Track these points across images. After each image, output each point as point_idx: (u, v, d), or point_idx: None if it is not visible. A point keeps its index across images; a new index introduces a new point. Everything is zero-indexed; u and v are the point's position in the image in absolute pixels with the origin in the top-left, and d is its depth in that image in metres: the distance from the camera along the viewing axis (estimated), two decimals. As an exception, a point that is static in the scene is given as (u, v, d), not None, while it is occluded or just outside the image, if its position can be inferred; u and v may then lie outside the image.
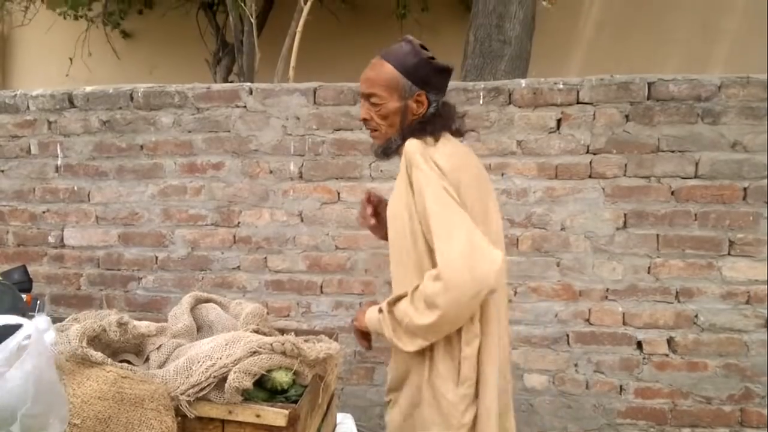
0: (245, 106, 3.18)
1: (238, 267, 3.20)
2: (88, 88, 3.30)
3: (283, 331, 1.66)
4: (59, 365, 1.23)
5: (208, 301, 1.71)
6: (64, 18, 5.73)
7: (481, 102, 3.04)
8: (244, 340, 1.35)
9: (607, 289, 3.00)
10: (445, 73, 1.78)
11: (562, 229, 3.01)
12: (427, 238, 1.61)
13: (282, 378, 1.25)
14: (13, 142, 3.34)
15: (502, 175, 3.02)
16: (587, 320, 3.02)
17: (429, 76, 1.74)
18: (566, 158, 2.99)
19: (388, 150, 1.79)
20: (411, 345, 1.62)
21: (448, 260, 1.51)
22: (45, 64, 6.18)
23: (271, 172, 3.17)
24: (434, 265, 1.57)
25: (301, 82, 3.21)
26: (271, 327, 1.61)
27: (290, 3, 4.60)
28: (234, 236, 3.21)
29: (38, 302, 2.81)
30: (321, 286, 3.16)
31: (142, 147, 3.24)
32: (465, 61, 4.12)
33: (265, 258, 3.19)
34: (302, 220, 3.16)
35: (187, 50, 6.13)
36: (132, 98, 3.25)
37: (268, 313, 3.16)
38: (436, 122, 1.74)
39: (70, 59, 5.80)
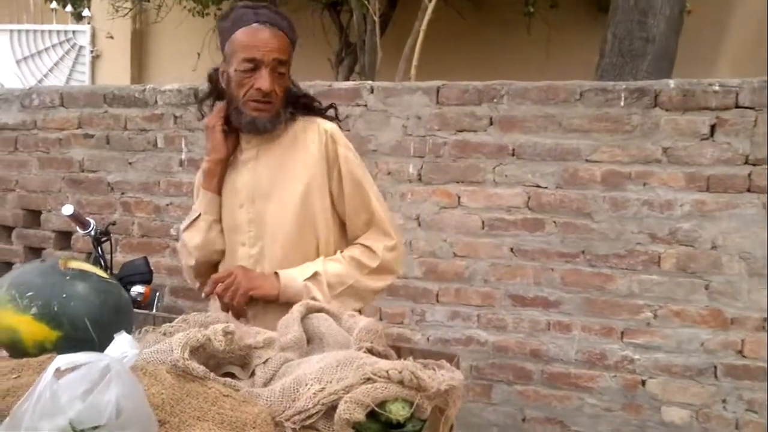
0: (366, 105, 3.07)
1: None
2: (213, 85, 3.31)
3: (398, 350, 1.50)
4: (159, 378, 1.13)
5: (320, 310, 1.58)
6: (193, 15, 5.92)
7: (622, 104, 2.75)
8: (357, 362, 1.20)
9: (765, 318, 2.62)
10: None
11: (712, 248, 2.66)
12: (341, 213, 1.71)
13: (399, 411, 1.10)
14: (141, 135, 3.41)
15: (644, 185, 2.72)
16: (740, 352, 2.65)
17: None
18: (720, 168, 2.64)
19: (275, 123, 1.68)
20: (346, 308, 1.69)
21: (395, 230, 1.75)
22: (176, 59, 6.41)
23: (389, 173, 3.04)
24: (346, 240, 1.74)
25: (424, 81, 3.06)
26: (386, 345, 1.45)
27: (414, 2, 4.48)
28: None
29: (157, 293, 2.84)
30: (437, 295, 2.99)
31: (261, 144, 3.21)
32: (601, 60, 3.81)
33: (380, 263, 3.05)
34: (419, 225, 3.00)
35: (310, 49, 6.15)
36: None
37: (381, 319, 3.04)
38: (313, 100, 1.78)
39: (198, 54, 5.98)
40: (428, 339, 2.99)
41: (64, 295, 1.25)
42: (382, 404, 1.09)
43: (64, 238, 3.59)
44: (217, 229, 1.75)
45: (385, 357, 1.37)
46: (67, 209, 2.63)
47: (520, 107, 2.87)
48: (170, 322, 1.59)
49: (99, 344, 1.25)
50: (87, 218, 2.79)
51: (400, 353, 1.52)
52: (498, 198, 2.89)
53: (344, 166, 1.69)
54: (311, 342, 1.55)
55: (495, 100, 2.89)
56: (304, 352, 1.48)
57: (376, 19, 4.47)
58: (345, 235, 1.77)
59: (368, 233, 1.74)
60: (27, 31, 6.15)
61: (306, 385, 1.16)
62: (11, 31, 6.10)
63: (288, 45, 1.67)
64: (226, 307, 1.64)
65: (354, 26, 5.24)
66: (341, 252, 1.73)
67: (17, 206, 3.64)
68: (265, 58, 1.61)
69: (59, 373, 0.82)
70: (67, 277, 1.29)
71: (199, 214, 1.74)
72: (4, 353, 1.30)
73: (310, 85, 3.14)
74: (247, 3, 1.68)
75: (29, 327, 1.23)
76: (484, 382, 2.96)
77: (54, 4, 6.34)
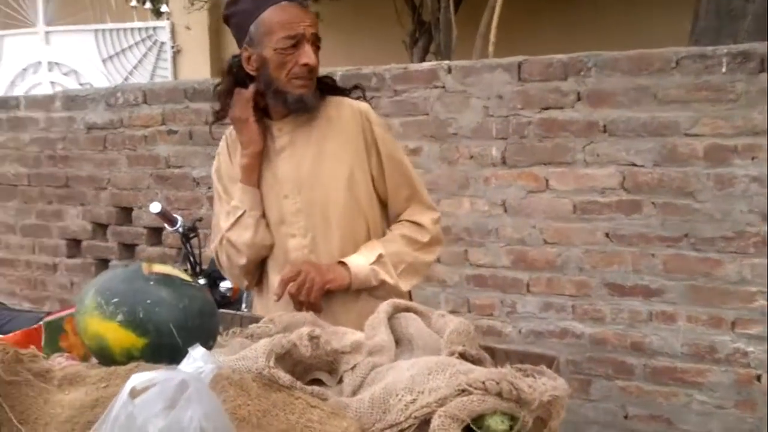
0: (444, 87, 2.96)
1: (438, 259, 3.00)
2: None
3: (492, 352, 1.41)
4: (245, 388, 1.09)
5: (407, 309, 1.51)
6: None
7: (723, 70, 2.52)
8: (450, 370, 1.12)
9: None
10: None
11: (834, 226, 2.41)
12: (381, 192, 1.70)
13: (498, 426, 1.01)
14: (222, 129, 3.42)
15: (753, 159, 2.49)
16: None
17: None
18: (842, 136, 2.38)
19: (318, 101, 1.66)
20: (409, 285, 1.72)
21: (433, 204, 1.79)
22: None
23: (471, 157, 2.92)
24: (387, 219, 1.75)
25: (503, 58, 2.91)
26: (479, 349, 1.36)
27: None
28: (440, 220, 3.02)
29: (244, 294, 2.84)
30: (527, 285, 2.86)
31: (339, 133, 3.16)
32: (696, 23, 3.53)
33: (466, 251, 2.96)
34: (506, 210, 2.88)
35: (383, 32, 6.08)
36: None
37: (469, 311, 2.95)
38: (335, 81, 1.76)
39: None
40: (520, 331, 2.87)
41: (149, 301, 1.24)
42: (478, 418, 1.01)
43: (155, 235, 3.68)
44: (263, 224, 1.70)
45: (479, 362, 1.28)
46: (155, 207, 2.67)
47: (609, 79, 2.68)
48: (257, 322, 1.56)
49: (185, 350, 1.24)
50: (174, 215, 2.82)
51: (494, 355, 1.43)
52: (590, 179, 2.73)
53: (382, 144, 1.68)
54: (400, 344, 1.48)
55: (582, 74, 2.72)
56: (393, 355, 1.41)
57: (451, -5, 4.33)
58: (386, 214, 1.76)
59: (411, 209, 1.74)
60: (110, 30, 6.35)
61: (396, 395, 1.09)
62: (95, 30, 6.32)
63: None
64: (300, 305, 1.61)
65: (427, 5, 5.10)
66: (390, 230, 1.73)
67: (110, 204, 3.76)
68: (306, 33, 1.59)
69: (135, 391, 0.78)
70: (151, 282, 1.27)
71: (244, 211, 1.69)
72: (94, 360, 1.30)
73: (386, 69, 3.06)
74: None
75: (116, 334, 1.22)
76: (581, 377, 2.81)
77: (134, 2, 6.52)
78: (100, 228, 3.82)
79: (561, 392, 1.07)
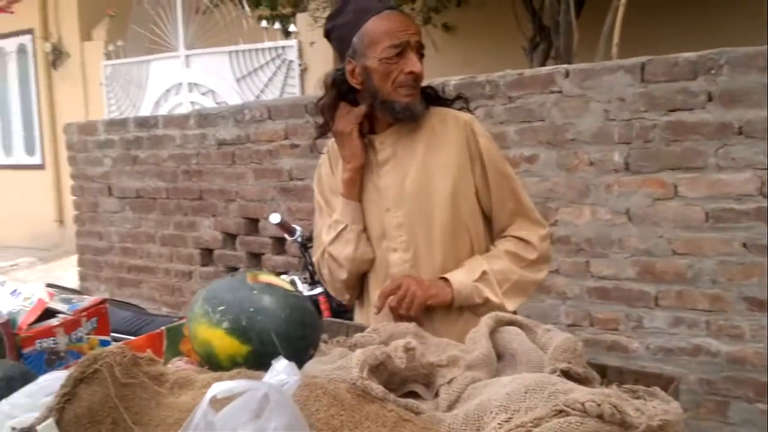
0: (561, 91, 2.85)
1: (557, 270, 2.88)
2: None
3: (603, 371, 1.32)
4: (339, 398, 1.09)
5: (511, 323, 1.45)
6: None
7: None
8: (549, 389, 1.06)
9: None
10: None
11: None
12: (485, 205, 1.65)
13: (598, 451, 0.94)
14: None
15: None
16: None
17: None
18: None
19: (424, 109, 1.62)
20: (515, 304, 1.65)
21: (542, 220, 1.71)
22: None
23: (591, 163, 2.79)
24: (491, 234, 1.69)
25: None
26: (587, 366, 1.28)
27: (614, -27, 4.10)
28: (551, 236, 2.90)
29: (333, 303, 2.86)
30: (655, 298, 2.68)
31: (454, 142, 3.13)
32: None
33: (587, 262, 2.82)
34: (630, 219, 2.72)
35: (504, 39, 5.99)
36: (443, 92, 3.15)
37: (592, 325, 2.80)
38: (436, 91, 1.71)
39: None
40: (648, 348, 2.69)
41: (252, 310, 1.27)
42: (578, 442, 0.95)
43: (279, 244, 3.83)
44: (365, 238, 1.68)
45: (585, 381, 1.20)
46: (275, 218, 2.78)
47: (744, 78, 2.47)
48: (362, 331, 1.57)
49: (287, 358, 1.26)
50: (293, 225, 2.92)
51: (605, 374, 1.34)
52: (724, 185, 2.52)
53: (487, 157, 1.63)
54: (502, 359, 1.43)
55: (713, 72, 2.52)
56: (494, 370, 1.36)
57: (570, -3, 4.17)
58: (490, 229, 1.70)
59: (517, 224, 1.68)
60: (243, 51, 6.71)
61: (491, 413, 1.04)
62: (230, 52, 6.70)
63: None
64: (400, 319, 1.59)
65: (547, 9, 4.95)
66: (495, 246, 1.68)
67: (238, 215, 3.96)
68: (411, 40, 1.57)
69: (215, 402, 0.79)
70: (255, 291, 1.31)
71: (346, 225, 1.67)
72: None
73: (500, 76, 3.00)
74: None
75: (221, 341, 1.26)
76: (718, 399, 2.58)
77: (264, 23, 6.86)
78: (230, 238, 4.03)
79: (674, 417, 0.98)
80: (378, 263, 1.69)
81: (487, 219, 1.69)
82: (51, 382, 1.20)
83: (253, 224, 3.93)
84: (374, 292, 1.69)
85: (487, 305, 1.61)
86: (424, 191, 1.63)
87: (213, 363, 1.29)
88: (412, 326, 1.55)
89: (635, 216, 2.70)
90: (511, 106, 2.97)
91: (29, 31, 8.00)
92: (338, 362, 1.23)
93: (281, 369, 0.90)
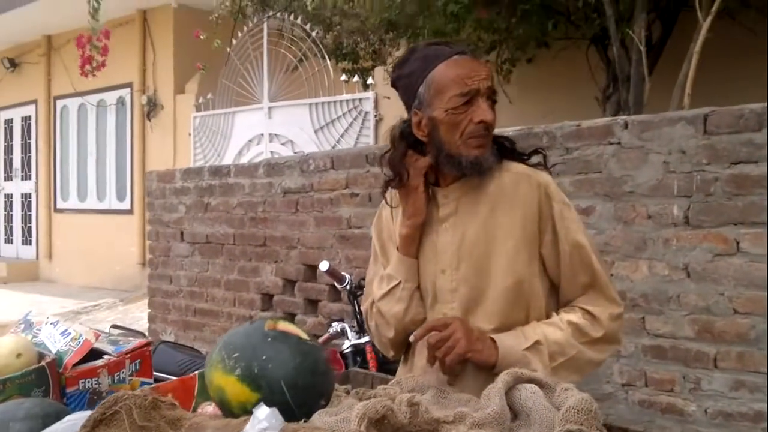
0: (619, 142, 2.80)
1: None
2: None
3: (618, 436, 1.26)
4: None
5: (530, 381, 1.41)
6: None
7: None
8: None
9: None
10: None
11: None
12: (553, 276, 1.53)
13: None
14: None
15: None
16: None
17: None
18: None
19: (494, 162, 1.50)
20: (565, 381, 1.44)
21: (618, 298, 1.55)
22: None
23: (649, 216, 2.70)
24: (556, 305, 1.55)
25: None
26: (602, 429, 1.22)
27: (693, 24, 4.00)
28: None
29: (379, 354, 2.81)
30: (714, 359, 2.53)
31: (509, 193, 3.10)
32: None
33: (643, 318, 2.71)
34: (689, 276, 2.60)
35: (575, 89, 5.92)
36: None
37: (646, 385, 2.67)
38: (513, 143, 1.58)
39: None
40: (705, 412, 2.53)
41: (264, 357, 1.28)
42: None
43: (335, 291, 3.87)
44: (417, 297, 1.58)
45: (593, 445, 1.16)
46: (324, 266, 2.83)
47: (813, 130, 2.34)
48: (386, 383, 1.56)
49: (296, 408, 1.27)
50: (343, 273, 2.96)
51: (620, 439, 1.28)
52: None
53: (560, 224, 1.49)
54: (518, 417, 1.39)
55: (779, 124, 2.41)
56: (506, 429, 1.32)
57: (642, 48, 4.10)
58: (555, 301, 1.56)
59: (588, 296, 1.52)
60: (323, 103, 6.96)
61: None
62: (310, 104, 6.95)
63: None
64: (432, 360, 1.49)
65: (622, 59, 4.88)
66: (559, 315, 1.52)
67: (299, 262, 4.05)
68: (481, 87, 1.44)
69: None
70: (268, 339, 1.32)
71: (399, 282, 1.58)
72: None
73: (557, 127, 2.98)
74: (428, 41, 1.60)
75: (234, 388, 1.27)
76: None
77: (344, 77, 7.10)
78: (289, 284, 4.12)
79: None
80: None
81: (554, 290, 1.56)
82: (76, 422, 1.25)
83: (311, 271, 4.01)
84: (420, 354, 1.57)
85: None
86: (483, 255, 1.51)
87: (225, 409, 1.31)
88: (435, 380, 1.53)
89: (694, 272, 2.58)
90: (568, 156, 2.93)
91: (128, 85, 8.59)
92: (342, 414, 1.23)
93: (263, 417, 0.92)
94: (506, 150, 1.56)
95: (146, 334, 4.31)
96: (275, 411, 0.93)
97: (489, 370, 1.48)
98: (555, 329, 1.49)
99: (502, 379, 1.43)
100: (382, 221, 1.70)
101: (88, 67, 5.96)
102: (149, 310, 5.05)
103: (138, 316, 6.21)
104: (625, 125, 2.80)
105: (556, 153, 2.96)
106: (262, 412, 0.92)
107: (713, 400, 2.52)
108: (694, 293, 2.57)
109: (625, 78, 4.51)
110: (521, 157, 1.57)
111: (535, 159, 1.58)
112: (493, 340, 1.49)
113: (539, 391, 1.41)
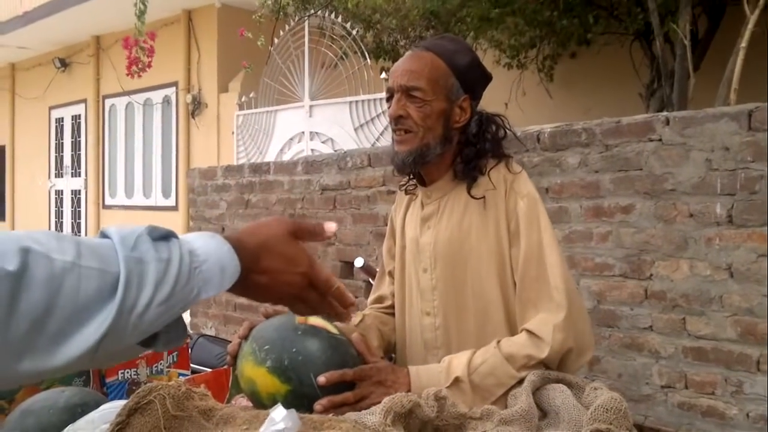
0: (660, 139, 2.74)
1: (650, 327, 2.73)
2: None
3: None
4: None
5: (558, 381, 1.40)
6: (503, 66, 6.05)
7: None
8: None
9: None
10: (487, 80, 1.55)
11: None
12: (517, 278, 1.44)
13: None
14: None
15: None
16: None
17: (476, 81, 1.52)
18: None
19: (422, 159, 1.46)
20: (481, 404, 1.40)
21: (563, 300, 1.39)
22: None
23: (691, 215, 2.63)
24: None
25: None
26: (631, 428, 1.21)
27: (741, 18, 3.89)
28: (645, 290, 2.76)
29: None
30: (758, 362, 2.46)
31: (547, 190, 3.07)
32: None
33: (684, 319, 2.64)
34: (732, 276, 2.53)
35: (621, 86, 5.82)
36: (539, 140, 3.13)
37: (686, 387, 2.61)
38: (499, 141, 1.53)
39: (506, 104, 6.08)
40: (747, 415, 2.46)
41: (294, 350, 1.30)
42: None
43: (371, 288, 3.89)
44: (392, 323, 1.72)
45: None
46: (358, 262, 2.84)
47: None
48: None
49: (325, 400, 1.29)
50: (377, 270, 2.97)
51: (650, 439, 1.26)
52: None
53: (523, 220, 1.43)
54: (547, 416, 1.38)
55: (829, 120, 2.33)
56: (534, 427, 1.32)
57: (687, 43, 4.00)
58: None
59: (533, 306, 1.42)
60: (363, 101, 6.98)
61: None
62: (350, 102, 6.99)
63: (438, 68, 1.46)
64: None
65: (667, 54, 4.78)
66: (500, 343, 1.41)
67: (336, 258, 4.08)
68: (395, 84, 1.46)
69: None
70: (299, 332, 1.34)
71: (363, 317, 1.71)
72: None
73: (596, 124, 2.93)
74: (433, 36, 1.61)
75: (264, 380, 1.29)
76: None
77: (383, 75, 7.12)
78: (327, 280, 4.15)
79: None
80: (413, 326, 1.60)
81: None
82: (111, 411, 1.29)
83: (348, 268, 4.04)
84: (409, 354, 1.62)
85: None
86: (457, 254, 1.49)
87: (256, 401, 1.33)
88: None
89: (737, 272, 2.51)
90: (607, 154, 2.88)
91: (174, 84, 8.77)
92: (370, 408, 1.24)
93: (279, 418, 0.93)
94: (485, 149, 1.52)
95: (188, 327, 4.40)
96: (293, 412, 0.94)
97: None
98: (492, 357, 1.40)
99: (530, 379, 1.42)
100: (392, 218, 1.76)
101: (134, 69, 6.11)
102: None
103: (181, 310, 6.32)
104: (667, 121, 2.73)
105: (596, 150, 2.92)
106: (279, 413, 0.93)
107: (755, 404, 2.45)
108: (738, 294, 2.50)
109: (669, 74, 4.41)
110: (501, 154, 1.53)
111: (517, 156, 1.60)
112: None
113: (567, 390, 1.40)
